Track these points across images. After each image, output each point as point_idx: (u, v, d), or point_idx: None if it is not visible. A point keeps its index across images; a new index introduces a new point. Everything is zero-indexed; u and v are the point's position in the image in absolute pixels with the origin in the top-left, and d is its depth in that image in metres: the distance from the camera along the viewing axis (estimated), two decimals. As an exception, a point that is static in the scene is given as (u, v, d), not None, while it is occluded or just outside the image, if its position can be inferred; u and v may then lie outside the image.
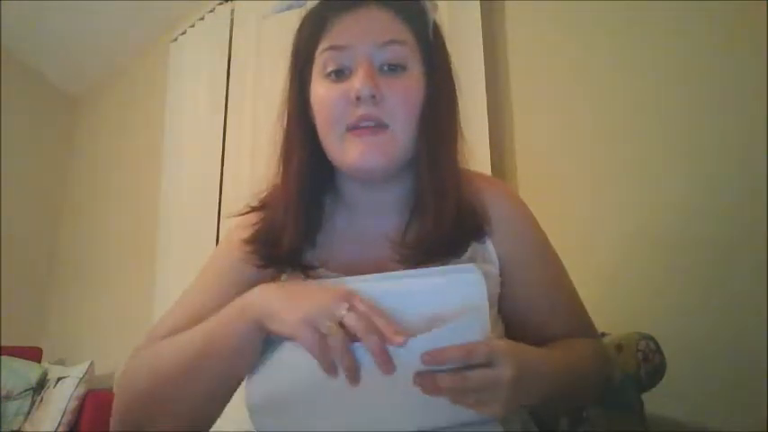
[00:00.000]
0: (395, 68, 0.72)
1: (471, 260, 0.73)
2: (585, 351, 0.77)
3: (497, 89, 1.71)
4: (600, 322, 0.87)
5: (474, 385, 0.56)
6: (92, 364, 2.56)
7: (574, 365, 0.72)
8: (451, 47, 0.80)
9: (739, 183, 1.19)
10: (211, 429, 0.71)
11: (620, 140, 1.42)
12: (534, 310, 0.79)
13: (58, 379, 2.56)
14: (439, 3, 0.79)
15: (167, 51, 2.95)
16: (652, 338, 0.87)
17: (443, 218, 0.72)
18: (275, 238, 0.74)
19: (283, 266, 0.75)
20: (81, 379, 2.48)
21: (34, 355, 2.92)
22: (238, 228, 0.81)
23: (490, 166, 1.59)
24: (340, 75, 0.72)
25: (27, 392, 2.61)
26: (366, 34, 0.72)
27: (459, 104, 0.79)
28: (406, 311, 0.60)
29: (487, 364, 0.56)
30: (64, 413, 2.41)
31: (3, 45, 3.40)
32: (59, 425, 2.39)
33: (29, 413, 2.57)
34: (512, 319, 0.80)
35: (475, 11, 1.73)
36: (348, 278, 0.66)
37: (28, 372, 2.67)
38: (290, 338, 0.59)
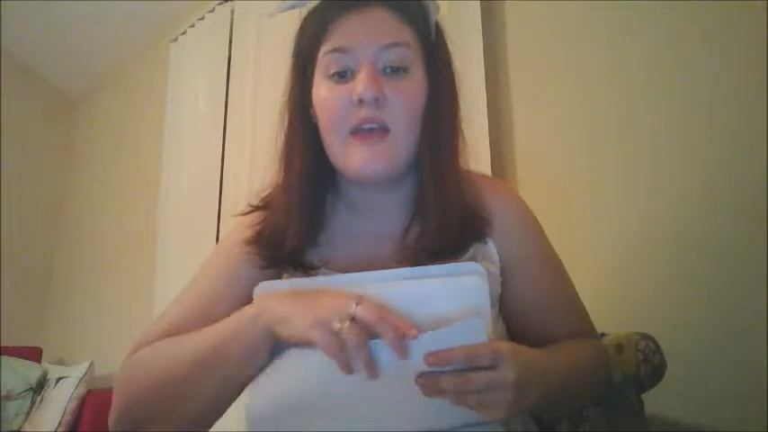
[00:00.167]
0: (397, 71, 0.72)
1: (472, 259, 0.74)
2: (586, 352, 0.77)
3: (497, 89, 1.71)
4: (600, 322, 0.87)
5: (476, 387, 0.56)
6: (92, 364, 2.56)
7: (575, 368, 0.72)
8: (451, 47, 0.80)
9: (739, 183, 1.19)
10: (212, 429, 0.71)
11: (619, 140, 1.42)
12: (534, 310, 0.80)
13: (58, 379, 2.56)
14: (439, 3, 0.79)
15: (167, 51, 2.95)
16: (652, 338, 0.88)
17: (446, 220, 0.72)
18: (278, 238, 0.74)
19: (286, 267, 0.75)
20: (81, 379, 2.49)
21: (34, 355, 2.92)
22: (239, 227, 0.81)
23: (490, 166, 1.59)
24: (343, 76, 0.72)
25: (27, 392, 2.61)
26: (369, 36, 0.72)
27: (460, 105, 0.79)
28: (409, 311, 0.60)
29: (490, 367, 0.56)
30: (64, 413, 2.41)
31: (3, 45, 3.40)
32: (59, 425, 2.39)
33: (29, 413, 2.57)
34: (512, 319, 0.80)
35: (475, 11, 1.73)
36: (353, 275, 0.67)
37: (28, 372, 2.67)
38: (302, 342, 0.58)
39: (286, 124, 0.78)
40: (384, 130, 0.71)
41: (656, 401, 0.90)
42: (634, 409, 0.85)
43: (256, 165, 2.26)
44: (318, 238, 0.77)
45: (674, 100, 1.33)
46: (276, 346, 0.63)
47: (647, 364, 0.85)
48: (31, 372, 2.68)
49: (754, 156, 1.16)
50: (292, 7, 0.79)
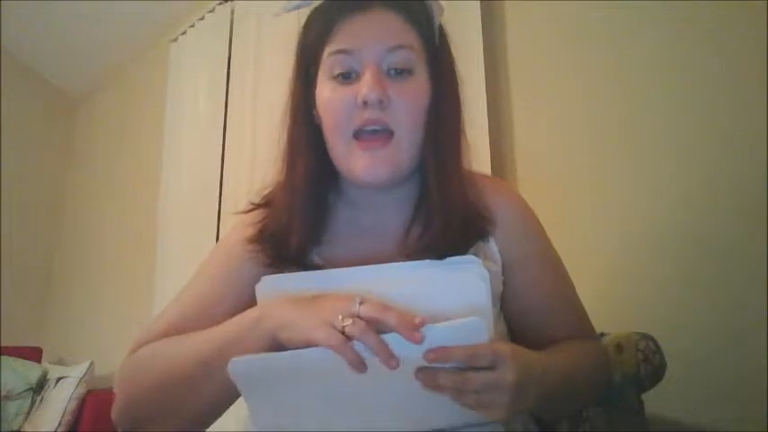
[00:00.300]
0: (401, 73, 0.72)
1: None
2: (586, 354, 0.77)
3: (497, 89, 1.71)
4: (600, 322, 0.87)
5: (475, 387, 0.56)
6: (92, 364, 2.56)
7: (574, 369, 0.72)
8: (451, 47, 0.80)
9: (739, 183, 1.19)
10: (212, 428, 0.71)
11: (619, 140, 1.42)
12: (534, 310, 0.80)
13: (58, 379, 2.56)
14: (442, 4, 0.79)
15: (167, 51, 2.95)
16: (652, 338, 0.88)
17: (450, 220, 0.72)
18: (282, 237, 0.74)
19: (289, 266, 0.75)
20: (81, 379, 2.49)
21: (34, 355, 2.92)
22: (239, 225, 0.81)
23: (490, 166, 1.59)
24: (347, 77, 0.72)
25: (27, 392, 2.61)
26: (374, 38, 0.71)
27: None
28: (411, 309, 0.60)
29: (490, 367, 0.56)
30: (64, 413, 2.41)
31: (3, 45, 3.40)
32: (59, 425, 2.39)
33: (29, 413, 2.58)
34: (512, 318, 0.80)
35: (475, 11, 1.73)
36: (355, 269, 0.67)
37: (28, 372, 2.68)
38: (306, 345, 0.58)
39: (289, 124, 0.78)
40: (387, 134, 0.71)
41: (656, 401, 0.90)
42: (634, 409, 0.85)
43: (256, 165, 2.26)
44: (321, 236, 0.77)
45: (674, 100, 1.33)
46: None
47: (647, 364, 0.85)
48: (31, 372, 2.68)
49: (754, 156, 1.16)
50: (298, 7, 0.79)
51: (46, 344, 3.15)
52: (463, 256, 0.69)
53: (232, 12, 2.64)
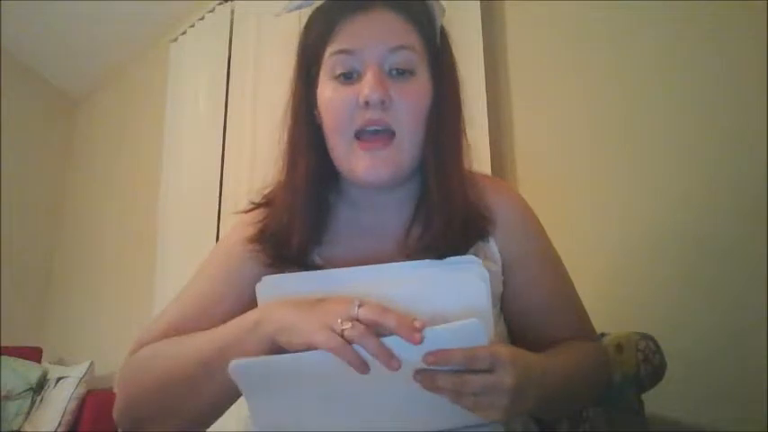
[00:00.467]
0: (403, 73, 0.72)
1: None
2: (585, 355, 0.77)
3: (497, 89, 1.71)
4: (600, 322, 0.87)
5: (473, 389, 0.56)
6: (92, 364, 2.56)
7: (574, 371, 0.72)
8: (453, 48, 0.80)
9: (739, 183, 1.19)
10: (212, 428, 0.71)
11: (619, 140, 1.42)
12: (535, 310, 0.80)
13: (58, 379, 2.56)
14: (444, 5, 0.79)
15: (167, 51, 2.95)
16: (652, 338, 0.88)
17: (451, 221, 0.72)
18: (283, 237, 0.74)
19: (289, 265, 0.75)
20: (81, 379, 2.49)
21: (34, 355, 2.92)
22: (240, 225, 0.81)
23: (490, 166, 1.59)
24: (348, 77, 0.72)
25: (27, 392, 2.61)
26: (376, 38, 0.71)
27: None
28: (410, 310, 0.60)
29: (489, 370, 0.56)
30: (64, 413, 2.41)
31: (3, 45, 3.40)
32: (59, 425, 2.39)
33: (29, 413, 2.57)
34: (512, 318, 0.80)
35: (475, 11, 1.73)
36: (355, 269, 0.67)
37: (28, 372, 2.68)
38: (305, 348, 0.58)
39: (290, 124, 0.78)
40: (389, 134, 0.71)
41: (656, 401, 0.90)
42: (634, 409, 0.85)
43: (256, 165, 2.26)
44: (321, 236, 0.77)
45: (674, 100, 1.33)
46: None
47: (647, 364, 0.85)
48: (31, 372, 2.68)
49: (754, 156, 1.16)
50: (299, 7, 0.79)
51: (46, 344, 3.15)
52: (463, 257, 0.69)
53: (232, 12, 2.64)
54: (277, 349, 0.61)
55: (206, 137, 2.58)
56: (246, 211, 0.82)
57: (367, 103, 0.70)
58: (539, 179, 1.58)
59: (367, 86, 0.69)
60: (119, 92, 3.53)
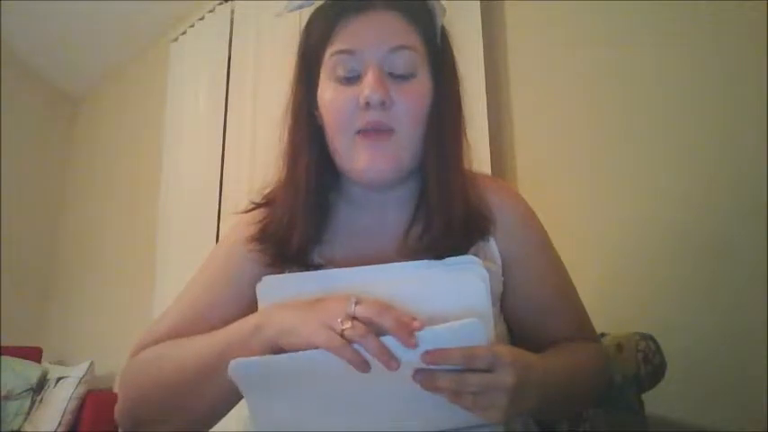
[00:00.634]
0: (404, 74, 0.72)
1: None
2: (586, 356, 0.77)
3: (497, 89, 1.71)
4: (600, 322, 0.87)
5: (472, 388, 0.56)
6: (92, 364, 2.56)
7: (574, 371, 0.72)
8: (453, 47, 0.80)
9: (739, 183, 1.19)
10: (213, 428, 0.71)
11: (619, 140, 1.43)
12: (534, 309, 0.80)
13: (58, 379, 2.56)
14: (444, 5, 0.79)
15: (167, 51, 2.95)
16: (652, 339, 0.88)
17: (451, 221, 0.72)
18: (283, 237, 0.74)
19: (291, 265, 0.75)
20: (81, 379, 2.48)
21: (34, 355, 2.92)
22: (240, 225, 0.81)
23: (490, 166, 1.59)
24: (349, 78, 0.72)
25: (27, 392, 2.61)
26: (376, 39, 0.71)
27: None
28: (409, 309, 0.60)
29: (489, 369, 0.56)
30: (64, 413, 2.41)
31: (3, 45, 3.40)
32: (59, 425, 2.39)
33: (29, 413, 2.57)
34: (513, 318, 0.80)
35: (475, 11, 1.73)
36: (356, 269, 0.67)
37: (28, 372, 2.67)
38: (308, 349, 0.58)
39: (290, 124, 0.78)
40: (389, 131, 0.71)
41: (656, 401, 0.90)
42: (634, 409, 0.85)
43: (256, 164, 2.26)
44: (321, 236, 0.77)
45: (673, 100, 1.33)
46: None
47: (647, 364, 0.85)
48: (31, 372, 2.68)
49: (754, 156, 1.16)
50: (300, 7, 0.79)
51: (46, 344, 3.14)
52: (463, 256, 0.69)
53: (232, 12, 2.64)
54: (278, 352, 0.61)
55: (206, 137, 2.58)
56: (246, 211, 0.82)
57: (367, 104, 0.70)
58: (539, 179, 1.58)
59: (367, 87, 0.69)
60: (119, 92, 3.53)
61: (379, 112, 0.70)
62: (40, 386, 2.64)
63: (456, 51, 0.80)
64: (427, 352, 0.56)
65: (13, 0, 3.01)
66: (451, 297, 0.62)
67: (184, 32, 2.88)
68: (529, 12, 1.70)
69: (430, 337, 0.56)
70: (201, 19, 2.78)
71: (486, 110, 1.63)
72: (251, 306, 0.72)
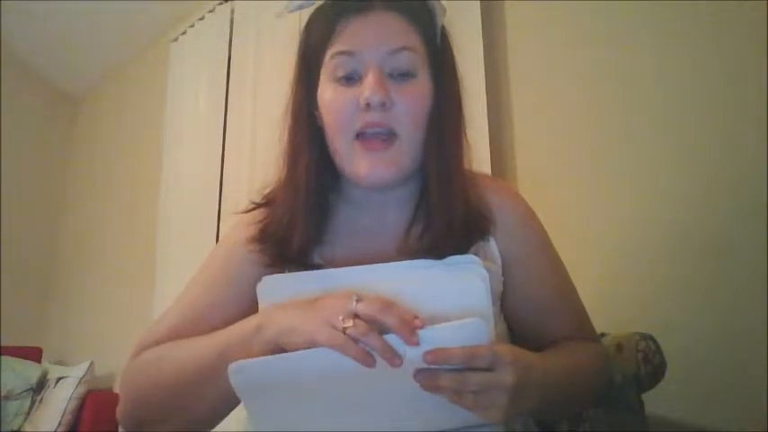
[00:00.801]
0: (404, 75, 0.72)
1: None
2: (587, 355, 0.77)
3: (497, 89, 1.71)
4: (600, 322, 0.87)
5: (474, 388, 0.56)
6: (92, 364, 2.56)
7: (574, 372, 0.72)
8: (453, 47, 0.80)
9: (739, 183, 1.19)
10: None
11: (619, 140, 1.43)
12: (534, 309, 0.80)
13: (58, 379, 2.56)
14: (444, 5, 0.79)
15: (167, 51, 2.95)
16: (652, 339, 0.88)
17: (452, 222, 0.72)
18: (284, 237, 0.74)
19: (291, 266, 0.75)
20: (81, 379, 2.49)
21: (34, 355, 2.92)
22: (240, 225, 0.81)
23: (490, 166, 1.59)
24: (349, 79, 0.72)
25: (27, 392, 2.61)
26: (377, 40, 0.71)
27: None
28: (409, 306, 0.60)
29: (489, 369, 0.56)
30: (64, 413, 2.41)
31: (3, 45, 3.40)
32: (59, 425, 2.39)
33: (29, 413, 2.57)
34: (512, 318, 0.80)
35: (475, 11, 1.73)
36: (356, 268, 0.67)
37: (28, 372, 2.67)
38: (309, 346, 0.58)
39: (290, 124, 0.78)
40: (390, 136, 0.71)
41: (656, 401, 0.90)
42: (634, 409, 0.85)
43: (256, 164, 2.26)
44: (322, 236, 0.77)
45: (673, 100, 1.33)
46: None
47: (647, 364, 0.85)
48: (31, 372, 2.68)
49: (754, 156, 1.16)
50: (301, 7, 0.78)
51: (46, 344, 3.14)
52: (463, 256, 0.69)
53: (232, 12, 2.64)
54: (279, 352, 0.61)
55: (206, 137, 2.58)
56: (246, 211, 0.82)
57: (368, 105, 0.70)
58: (539, 179, 1.58)
59: (368, 89, 0.69)
60: (119, 92, 3.53)
61: (380, 113, 0.70)
62: (40, 386, 2.64)
63: (456, 51, 0.80)
64: (429, 351, 0.56)
65: (13, 0, 3.01)
66: (452, 297, 0.62)
67: (184, 32, 2.88)
68: (529, 12, 1.70)
69: (431, 337, 0.56)
70: (201, 19, 2.78)
71: (486, 110, 1.63)
72: (251, 307, 0.72)
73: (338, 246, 0.77)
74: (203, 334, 0.70)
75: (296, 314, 0.61)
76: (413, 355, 0.56)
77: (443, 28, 0.78)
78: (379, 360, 0.56)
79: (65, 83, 3.74)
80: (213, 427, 0.71)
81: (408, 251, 0.73)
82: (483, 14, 1.72)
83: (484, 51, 1.68)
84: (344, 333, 0.56)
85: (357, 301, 0.58)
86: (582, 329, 0.82)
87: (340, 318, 0.57)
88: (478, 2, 1.74)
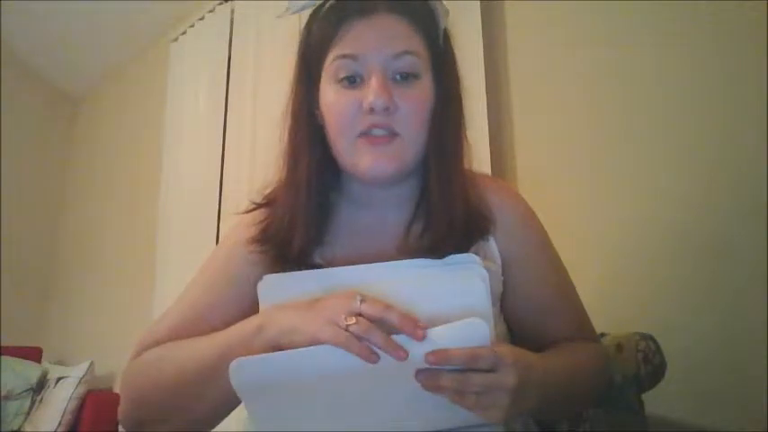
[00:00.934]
0: (407, 78, 0.72)
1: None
2: (587, 356, 0.77)
3: (497, 89, 1.71)
4: (600, 322, 0.87)
5: (475, 388, 0.56)
6: (92, 364, 2.56)
7: (574, 372, 0.72)
8: (454, 49, 0.80)
9: (739, 183, 1.19)
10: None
11: (619, 140, 1.43)
12: (534, 309, 0.80)
13: (58, 379, 2.56)
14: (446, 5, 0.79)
15: (167, 51, 2.95)
16: (652, 339, 0.88)
17: (452, 222, 0.72)
18: (285, 238, 0.74)
19: (292, 267, 0.75)
20: (81, 379, 2.48)
21: (34, 355, 2.92)
22: (240, 226, 0.81)
23: (490, 166, 1.59)
24: (352, 82, 0.72)
25: (27, 392, 2.61)
26: (380, 43, 0.71)
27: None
28: (411, 309, 0.60)
29: (491, 369, 0.57)
30: (64, 413, 2.41)
31: (3, 45, 3.40)
32: (59, 425, 2.39)
33: (29, 413, 2.57)
34: (512, 318, 0.80)
35: (475, 11, 1.73)
36: (356, 267, 0.67)
37: (28, 372, 2.67)
38: (311, 345, 0.58)
39: (291, 124, 0.78)
40: (393, 135, 0.71)
41: (656, 401, 0.90)
42: (634, 409, 0.85)
43: (256, 164, 2.26)
44: (323, 237, 0.77)
45: (673, 100, 1.33)
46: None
47: (647, 364, 0.85)
48: (31, 372, 2.68)
49: (754, 156, 1.16)
50: (303, 8, 0.78)
51: (46, 344, 3.14)
52: (463, 255, 0.69)
53: (232, 12, 2.64)
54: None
55: (206, 137, 2.58)
56: (247, 212, 0.82)
57: (372, 110, 0.70)
58: (539, 179, 1.58)
59: (372, 93, 0.69)
60: (119, 92, 3.53)
61: (383, 116, 0.70)
62: (40, 386, 2.64)
63: (456, 51, 0.80)
64: (431, 352, 0.56)
65: (13, 0, 3.01)
66: (451, 296, 0.63)
67: (184, 32, 2.88)
68: (529, 12, 1.70)
69: (434, 337, 0.56)
70: (201, 19, 2.78)
71: (486, 110, 1.63)
72: (252, 307, 0.72)
73: (338, 246, 0.77)
74: (204, 334, 0.70)
75: (297, 314, 0.61)
76: (414, 356, 0.56)
77: (445, 30, 0.78)
78: (380, 360, 0.56)
79: (65, 83, 3.74)
80: (213, 427, 0.71)
81: (408, 250, 0.73)
82: (483, 14, 1.72)
83: (484, 51, 1.68)
84: (347, 330, 0.57)
85: (361, 301, 0.59)
86: (582, 329, 0.82)
87: (343, 316, 0.58)
88: (478, 2, 1.74)
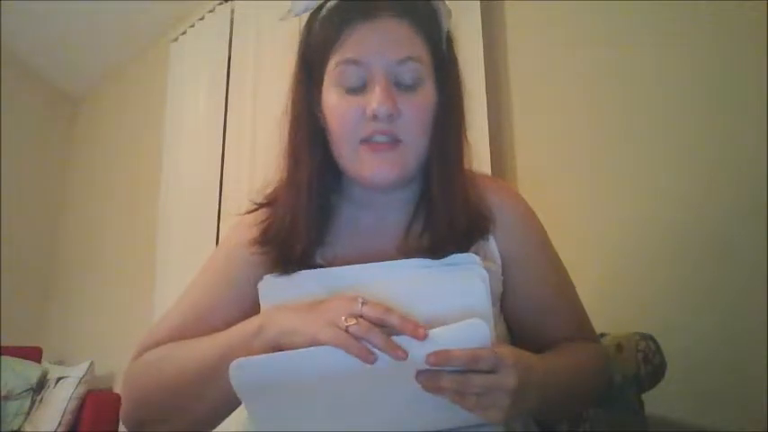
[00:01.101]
0: (410, 84, 0.72)
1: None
2: (587, 356, 0.77)
3: (497, 89, 1.71)
4: (600, 322, 0.87)
5: (476, 389, 0.57)
6: (92, 364, 2.56)
7: (575, 372, 0.72)
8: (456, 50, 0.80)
9: (739, 183, 1.19)
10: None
11: (619, 140, 1.43)
12: (534, 310, 0.80)
13: (58, 379, 2.56)
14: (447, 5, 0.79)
15: (167, 51, 2.95)
16: (652, 339, 0.88)
17: (453, 222, 0.72)
18: (286, 240, 0.74)
19: (294, 268, 0.74)
20: (81, 379, 2.48)
21: (34, 355, 2.92)
22: (241, 226, 0.81)
23: (490, 166, 1.59)
24: (355, 87, 0.71)
25: (27, 392, 2.61)
26: (383, 49, 0.70)
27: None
28: (411, 310, 0.60)
29: (492, 370, 0.57)
30: (64, 413, 2.41)
31: (3, 45, 3.40)
32: (59, 425, 2.39)
33: (29, 413, 2.57)
34: (512, 319, 0.80)
35: (475, 11, 1.73)
36: (356, 266, 0.68)
37: (28, 372, 2.67)
38: (311, 346, 0.58)
39: (291, 124, 0.77)
40: (395, 141, 0.71)
41: (656, 401, 0.90)
42: (634, 409, 0.85)
43: (256, 164, 2.26)
44: (324, 237, 0.77)
45: (673, 100, 1.33)
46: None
47: (647, 364, 0.85)
48: (31, 372, 2.68)
49: (754, 156, 1.16)
50: (306, 10, 0.77)
51: (46, 344, 3.14)
52: (463, 255, 0.69)
53: (232, 12, 2.64)
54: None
55: (206, 137, 2.58)
56: (248, 212, 0.81)
57: (375, 117, 0.69)
58: (539, 179, 1.58)
59: (375, 100, 0.69)
60: (119, 92, 3.53)
61: (386, 123, 0.70)
62: (40, 386, 2.64)
63: (456, 52, 0.80)
64: (431, 353, 0.56)
65: (13, 0, 3.01)
66: (451, 296, 0.63)
67: (184, 32, 2.88)
68: (529, 12, 1.70)
69: (434, 338, 0.56)
70: (201, 19, 2.78)
71: (486, 110, 1.63)
72: (253, 308, 0.72)
73: (339, 246, 0.77)
74: (204, 335, 0.70)
75: (298, 315, 0.61)
76: (415, 356, 0.56)
77: (448, 32, 0.78)
78: (381, 361, 0.56)
79: (65, 83, 3.74)
80: (213, 427, 0.71)
81: (408, 250, 0.73)
82: (483, 14, 1.72)
83: (484, 51, 1.68)
84: (347, 331, 0.57)
85: (362, 303, 0.59)
86: (582, 329, 0.82)
87: (343, 318, 0.58)
88: (478, 2, 1.74)
